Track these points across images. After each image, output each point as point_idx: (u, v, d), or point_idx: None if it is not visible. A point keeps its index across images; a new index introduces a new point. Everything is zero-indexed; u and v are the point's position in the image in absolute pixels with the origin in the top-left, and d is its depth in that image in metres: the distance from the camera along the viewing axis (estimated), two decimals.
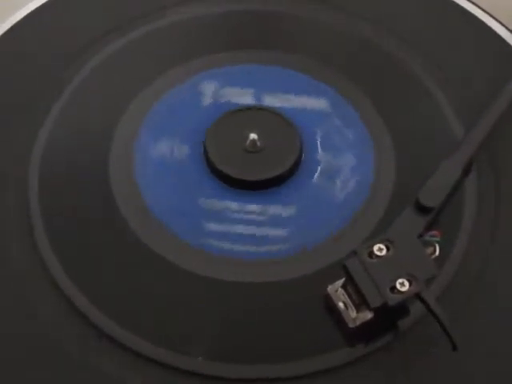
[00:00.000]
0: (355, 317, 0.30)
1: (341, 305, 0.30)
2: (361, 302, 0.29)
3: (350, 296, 0.30)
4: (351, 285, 0.29)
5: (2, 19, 0.41)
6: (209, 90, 0.38)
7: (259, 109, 0.37)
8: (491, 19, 0.41)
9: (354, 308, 0.30)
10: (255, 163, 0.35)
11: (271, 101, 0.38)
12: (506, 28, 0.41)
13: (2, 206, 0.34)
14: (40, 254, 0.32)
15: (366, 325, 0.30)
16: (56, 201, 0.34)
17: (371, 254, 0.29)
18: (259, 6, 0.42)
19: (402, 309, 0.30)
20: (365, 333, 0.30)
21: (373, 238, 0.30)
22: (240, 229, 0.33)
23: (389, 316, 0.30)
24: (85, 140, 0.37)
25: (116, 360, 0.30)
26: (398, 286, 0.28)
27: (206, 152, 0.35)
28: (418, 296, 0.28)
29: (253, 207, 0.34)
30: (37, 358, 0.30)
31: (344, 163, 0.36)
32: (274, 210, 0.34)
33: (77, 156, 0.36)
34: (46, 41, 0.41)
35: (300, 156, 0.36)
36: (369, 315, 0.29)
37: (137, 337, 0.30)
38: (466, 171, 0.33)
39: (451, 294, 0.32)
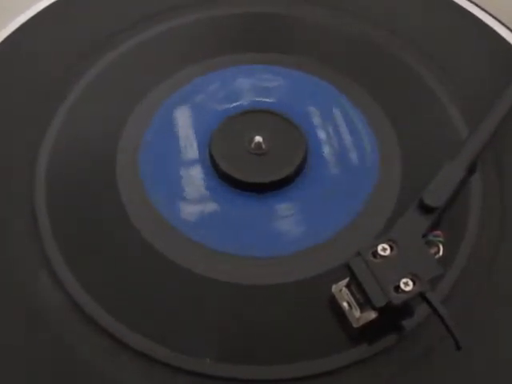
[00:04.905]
0: (359, 317, 0.30)
1: (345, 304, 0.30)
2: (365, 302, 0.29)
3: (354, 296, 0.30)
4: (355, 284, 0.29)
5: (7, 22, 0.41)
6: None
7: (264, 111, 0.37)
8: (493, 19, 0.41)
9: (357, 308, 0.30)
10: (260, 165, 0.35)
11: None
12: (507, 27, 0.41)
13: (7, 205, 0.34)
14: (45, 252, 0.33)
15: (369, 325, 0.30)
16: (62, 200, 0.35)
17: (375, 253, 0.29)
18: (262, 9, 0.42)
19: (406, 309, 0.30)
20: (369, 333, 0.30)
21: (377, 238, 0.30)
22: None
23: (393, 316, 0.30)
24: (91, 141, 0.37)
25: (118, 360, 0.30)
26: (401, 285, 0.28)
27: (211, 154, 0.35)
28: (421, 295, 0.28)
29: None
30: (37, 356, 0.30)
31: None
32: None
33: (83, 157, 0.36)
34: (51, 41, 0.41)
35: (305, 158, 0.36)
36: (372, 315, 0.29)
37: (143, 337, 0.30)
38: (471, 171, 0.33)
39: (457, 295, 0.32)
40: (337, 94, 0.39)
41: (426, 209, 0.31)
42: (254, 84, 0.39)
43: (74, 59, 0.40)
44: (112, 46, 0.41)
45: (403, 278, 0.28)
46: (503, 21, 0.41)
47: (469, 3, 0.42)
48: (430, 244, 0.30)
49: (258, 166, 0.35)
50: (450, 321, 0.28)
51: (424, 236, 0.30)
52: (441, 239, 0.30)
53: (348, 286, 0.30)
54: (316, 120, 0.37)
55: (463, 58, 0.40)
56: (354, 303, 0.30)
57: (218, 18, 0.42)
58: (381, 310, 0.29)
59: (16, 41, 0.41)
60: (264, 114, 0.37)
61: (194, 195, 0.35)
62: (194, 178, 0.35)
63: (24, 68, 0.40)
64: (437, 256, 0.30)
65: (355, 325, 0.30)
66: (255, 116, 0.37)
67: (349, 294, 0.30)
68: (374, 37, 0.41)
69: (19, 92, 0.39)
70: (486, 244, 0.33)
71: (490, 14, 0.41)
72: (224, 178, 0.35)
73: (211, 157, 0.36)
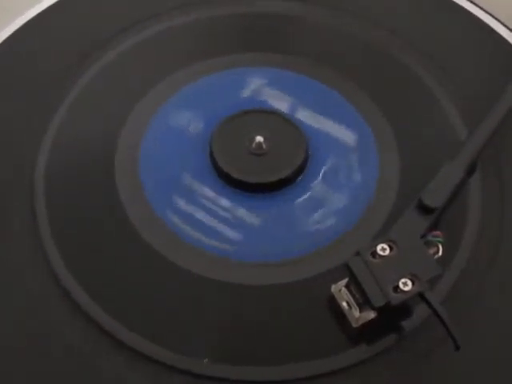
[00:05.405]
0: (358, 316, 0.30)
1: (344, 304, 0.30)
2: (364, 302, 0.29)
3: (353, 296, 0.30)
4: (354, 284, 0.29)
5: (7, 22, 0.41)
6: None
7: (265, 111, 0.37)
8: (493, 19, 0.41)
9: (357, 308, 0.30)
10: (261, 166, 0.35)
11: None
12: (507, 27, 0.41)
13: (7, 206, 0.34)
14: (44, 252, 0.33)
15: (369, 325, 0.30)
16: (61, 199, 0.35)
17: (374, 253, 0.29)
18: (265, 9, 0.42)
19: (405, 309, 0.30)
20: (368, 333, 0.30)
21: (376, 239, 0.30)
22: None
23: (392, 316, 0.30)
24: (90, 141, 0.37)
25: (118, 360, 0.30)
26: (400, 285, 0.28)
27: (211, 154, 0.35)
28: (420, 296, 0.29)
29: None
30: (36, 356, 0.30)
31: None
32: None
33: (82, 157, 0.36)
34: (51, 40, 0.41)
35: (306, 159, 0.36)
36: (372, 315, 0.29)
37: (142, 338, 0.30)
38: (470, 172, 0.33)
39: (456, 295, 0.32)
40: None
41: (425, 209, 0.31)
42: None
43: (74, 59, 0.40)
44: (112, 45, 0.40)
45: (402, 278, 0.29)
46: (503, 20, 0.41)
47: (469, 3, 0.42)
48: (429, 244, 0.30)
49: (258, 167, 0.35)
50: (448, 321, 0.28)
51: (423, 236, 0.30)
52: (440, 239, 0.30)
53: (347, 285, 0.30)
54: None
55: (463, 58, 0.40)
56: (353, 303, 0.30)
57: (219, 18, 0.42)
58: (380, 310, 0.29)
59: (16, 41, 0.41)
60: (265, 114, 0.37)
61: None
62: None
63: (24, 68, 0.40)
64: (436, 256, 0.30)
65: (354, 325, 0.30)
66: (256, 116, 0.37)
67: (348, 294, 0.30)
68: (373, 37, 0.41)
69: (19, 92, 0.39)
70: (486, 244, 0.33)
71: (490, 14, 0.41)
72: (224, 178, 0.35)
73: (212, 157, 0.36)
